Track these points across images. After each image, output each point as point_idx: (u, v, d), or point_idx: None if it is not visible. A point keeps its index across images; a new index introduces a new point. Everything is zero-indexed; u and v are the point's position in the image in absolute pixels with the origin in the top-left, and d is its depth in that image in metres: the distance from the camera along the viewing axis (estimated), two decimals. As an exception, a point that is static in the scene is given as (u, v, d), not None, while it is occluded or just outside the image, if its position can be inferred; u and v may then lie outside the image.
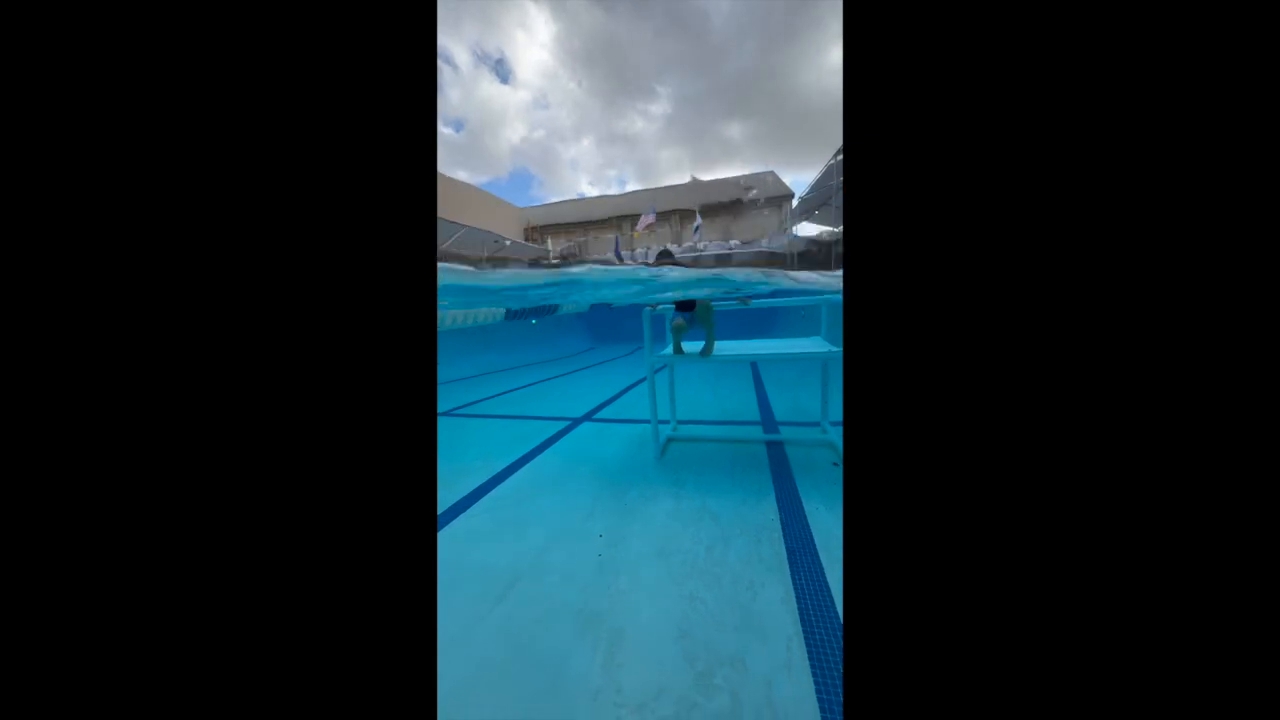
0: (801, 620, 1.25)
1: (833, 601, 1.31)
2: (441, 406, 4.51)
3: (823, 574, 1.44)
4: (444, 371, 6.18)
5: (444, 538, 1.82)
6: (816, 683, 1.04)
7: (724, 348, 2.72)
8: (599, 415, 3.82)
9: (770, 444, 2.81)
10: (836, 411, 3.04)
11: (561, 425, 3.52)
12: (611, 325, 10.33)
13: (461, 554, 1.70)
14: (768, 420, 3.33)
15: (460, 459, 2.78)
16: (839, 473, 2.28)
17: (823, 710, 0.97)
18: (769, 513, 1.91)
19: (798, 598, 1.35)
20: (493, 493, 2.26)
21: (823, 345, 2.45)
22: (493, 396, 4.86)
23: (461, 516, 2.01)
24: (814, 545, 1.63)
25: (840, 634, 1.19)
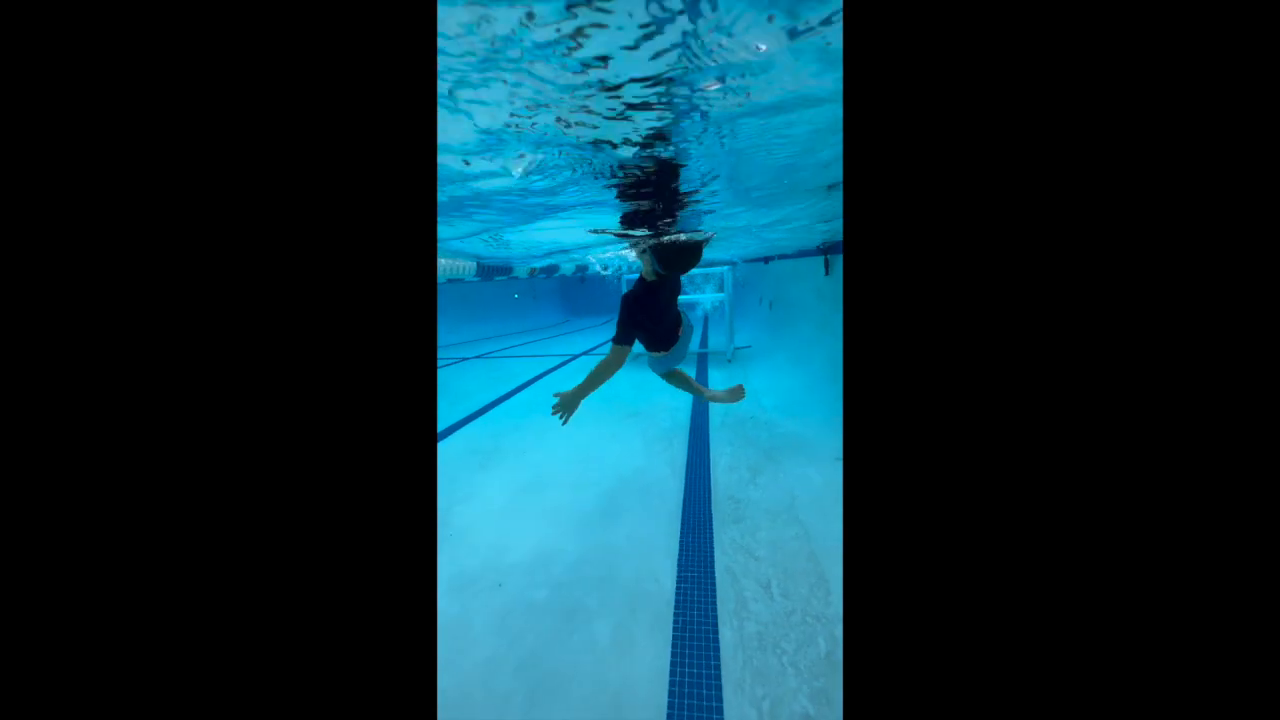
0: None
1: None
2: (463, 354, 6.38)
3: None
4: (441, 337, 7.76)
5: (533, 390, 3.77)
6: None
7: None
8: (593, 352, 5.87)
9: (698, 355, 5.06)
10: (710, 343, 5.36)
11: (566, 358, 5.50)
12: (585, 298, 11.36)
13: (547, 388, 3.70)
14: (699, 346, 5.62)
15: (503, 380, 4.70)
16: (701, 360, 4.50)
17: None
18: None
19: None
20: (546, 378, 4.25)
21: (717, 297, 4.58)
22: (500, 350, 6.76)
23: (526, 390, 3.99)
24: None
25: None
